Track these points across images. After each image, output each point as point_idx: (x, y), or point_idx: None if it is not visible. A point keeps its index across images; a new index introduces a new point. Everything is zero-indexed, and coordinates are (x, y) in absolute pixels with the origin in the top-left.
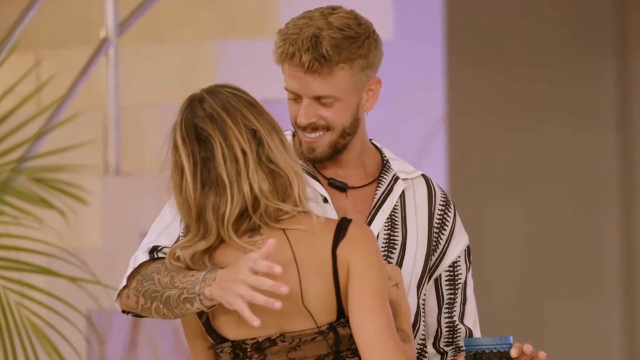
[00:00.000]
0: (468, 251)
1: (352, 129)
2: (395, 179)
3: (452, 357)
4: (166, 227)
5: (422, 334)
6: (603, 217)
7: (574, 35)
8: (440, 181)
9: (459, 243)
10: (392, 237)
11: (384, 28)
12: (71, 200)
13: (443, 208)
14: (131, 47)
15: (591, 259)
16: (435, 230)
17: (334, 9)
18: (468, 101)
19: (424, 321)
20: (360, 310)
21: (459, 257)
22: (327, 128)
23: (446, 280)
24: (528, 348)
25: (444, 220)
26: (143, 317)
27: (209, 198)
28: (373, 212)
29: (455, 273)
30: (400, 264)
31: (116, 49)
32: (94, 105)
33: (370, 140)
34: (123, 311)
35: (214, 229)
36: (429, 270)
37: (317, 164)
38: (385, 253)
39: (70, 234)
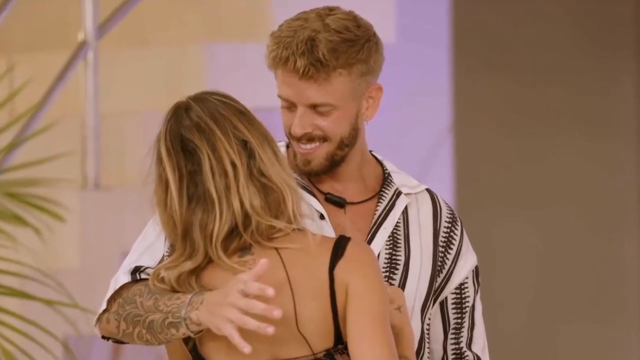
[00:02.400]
0: (476, 272)
1: (350, 140)
2: (398, 193)
3: None
4: (149, 245)
5: None
6: (622, 235)
7: (590, 38)
8: (446, 196)
9: (467, 263)
10: (394, 257)
11: (385, 30)
12: (47, 216)
13: (449, 225)
14: (111, 51)
15: (609, 281)
16: (440, 249)
17: (331, 10)
18: (476, 109)
19: (428, 347)
20: (359, 335)
21: (467, 278)
22: (324, 139)
23: (453, 304)
24: None
25: (450, 239)
26: (124, 343)
27: (195, 214)
28: (373, 229)
29: (463, 295)
30: (403, 285)
31: (95, 52)
32: (71, 113)
33: (370, 151)
34: (103, 337)
35: (201, 248)
36: (434, 292)
37: (313, 177)
38: (387, 274)
39: (45, 253)
